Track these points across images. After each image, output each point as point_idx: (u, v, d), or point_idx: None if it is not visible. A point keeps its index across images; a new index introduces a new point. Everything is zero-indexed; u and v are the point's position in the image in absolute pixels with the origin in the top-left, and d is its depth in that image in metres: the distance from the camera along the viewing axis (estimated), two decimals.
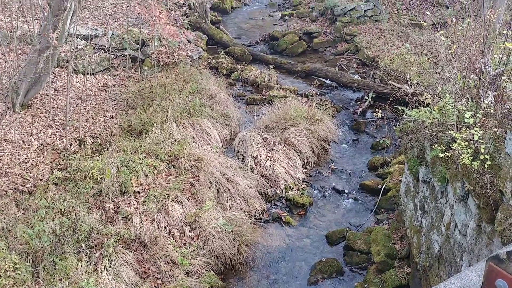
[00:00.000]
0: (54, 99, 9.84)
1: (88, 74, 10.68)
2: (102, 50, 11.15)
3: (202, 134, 9.92)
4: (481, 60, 5.71)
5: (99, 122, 9.43)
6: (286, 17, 19.06)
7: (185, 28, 14.42)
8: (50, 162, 8.11)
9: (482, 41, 6.27)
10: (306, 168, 9.84)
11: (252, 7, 20.94)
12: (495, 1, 13.03)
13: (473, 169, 5.01)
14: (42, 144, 8.43)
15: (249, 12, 20.25)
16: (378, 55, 14.23)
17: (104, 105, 10.05)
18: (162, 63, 12.03)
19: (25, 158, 8.02)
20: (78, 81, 10.84)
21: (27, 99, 9.25)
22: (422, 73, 11.44)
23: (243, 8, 20.72)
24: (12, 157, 7.90)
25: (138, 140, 9.06)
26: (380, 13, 17.20)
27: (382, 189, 9.04)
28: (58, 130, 8.86)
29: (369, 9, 17.06)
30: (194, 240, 7.41)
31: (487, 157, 4.87)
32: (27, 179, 7.60)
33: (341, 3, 17.19)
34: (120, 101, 10.40)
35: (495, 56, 6.29)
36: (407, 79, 8.56)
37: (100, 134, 9.09)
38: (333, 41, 16.52)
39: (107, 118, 9.69)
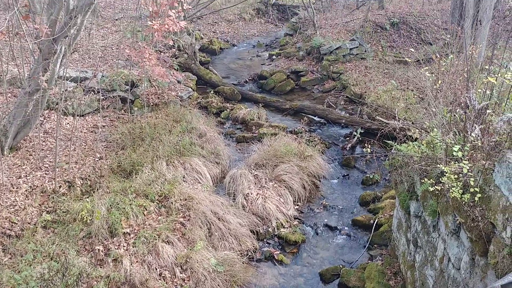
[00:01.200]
0: (44, 141, 9.81)
1: (77, 115, 10.70)
2: (92, 92, 11.22)
3: (193, 173, 9.89)
4: (466, 95, 5.83)
5: (88, 163, 9.38)
6: (274, 57, 19.42)
7: (175, 69, 14.60)
8: (39, 204, 8.00)
9: (466, 76, 6.43)
10: (297, 205, 9.80)
11: (240, 48, 21.35)
12: (476, 38, 13.43)
13: (463, 202, 5.03)
14: (30, 186, 8.33)
15: (237, 53, 20.63)
16: (365, 92, 14.48)
17: (93, 146, 10.03)
18: (152, 104, 12.12)
19: (13, 201, 7.90)
20: (68, 123, 10.85)
21: (16, 141, 9.20)
22: (409, 109, 11.63)
23: (232, 49, 21.12)
24: (0, 200, 7.79)
25: (128, 180, 9.00)
26: (365, 51, 17.60)
27: (374, 225, 9.00)
28: (47, 172, 8.79)
29: (354, 48, 17.47)
30: (185, 281, 7.26)
31: (477, 189, 4.90)
32: (15, 223, 7.47)
33: (327, 42, 17.58)
34: (110, 142, 10.39)
35: (479, 90, 6.43)
36: (395, 114, 8.69)
37: (89, 176, 9.02)
38: (320, 79, 16.81)
39: (96, 159, 9.64)
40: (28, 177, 8.57)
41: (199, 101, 14.34)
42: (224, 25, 23.76)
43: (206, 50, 19.73)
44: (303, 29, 20.57)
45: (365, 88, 14.78)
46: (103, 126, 11.07)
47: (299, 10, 23.32)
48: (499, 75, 6.14)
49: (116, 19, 18.24)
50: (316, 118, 13.76)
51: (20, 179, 8.45)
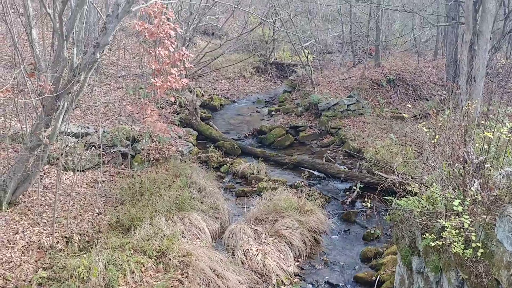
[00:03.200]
0: (43, 196, 9.78)
1: (78, 170, 10.74)
2: (93, 147, 11.31)
3: (192, 228, 9.79)
4: (464, 149, 5.90)
5: (87, 219, 9.31)
6: (273, 113, 19.73)
7: (176, 125, 14.80)
8: (35, 261, 7.86)
9: (463, 131, 6.53)
10: (298, 261, 9.63)
11: (240, 104, 21.72)
12: (471, 94, 13.71)
13: (466, 258, 4.97)
14: (27, 242, 8.23)
15: (237, 109, 20.97)
16: (363, 147, 14.60)
17: (93, 201, 9.99)
18: (152, 159, 12.19)
19: (9, 258, 7.77)
20: (68, 178, 10.86)
21: (15, 196, 9.18)
22: (407, 163, 11.67)
23: (232, 105, 21.48)
24: None
25: (126, 236, 8.89)
26: (362, 107, 17.91)
27: (377, 282, 8.81)
28: (45, 228, 8.71)
29: (352, 104, 17.80)
30: None
31: (479, 244, 4.86)
32: (9, 280, 7.31)
33: (324, 99, 17.94)
34: (109, 197, 10.36)
35: (477, 145, 6.50)
36: (394, 169, 8.72)
37: (87, 231, 8.93)
38: (319, 134, 16.99)
39: (95, 214, 9.58)
40: (25, 233, 8.48)
41: (199, 155, 14.42)
42: (225, 83, 24.29)
43: (207, 106, 20.06)
44: (301, 86, 21.03)
45: (363, 143, 14.92)
46: (103, 181, 11.07)
47: (297, 68, 23.93)
48: (496, 129, 6.23)
49: (119, 77, 18.68)
50: (315, 173, 13.79)
51: (17, 235, 8.36)
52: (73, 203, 9.71)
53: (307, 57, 21.09)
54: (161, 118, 12.79)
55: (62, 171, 10.37)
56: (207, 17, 22.44)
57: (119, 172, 11.66)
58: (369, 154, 13.59)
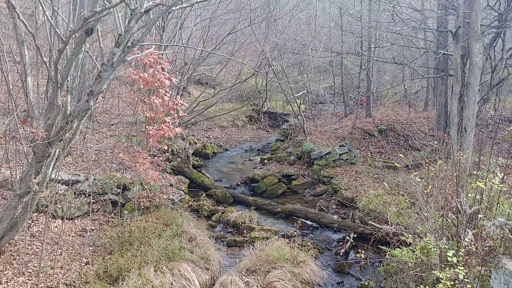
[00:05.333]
0: (29, 245, 9.54)
1: (67, 218, 10.55)
2: (83, 195, 11.18)
3: (181, 279, 9.53)
4: (457, 199, 5.88)
5: (74, 269, 9.05)
6: (266, 161, 19.75)
7: (168, 173, 14.74)
8: None
9: (456, 181, 6.54)
10: None
11: (232, 152, 21.78)
12: (462, 144, 13.85)
13: None
14: None
15: (230, 157, 20.99)
16: (356, 196, 14.54)
17: (80, 250, 9.76)
18: (143, 207, 12.03)
19: None
20: (56, 226, 10.65)
21: (0, 245, 8.94)
22: (400, 213, 11.61)
23: (224, 153, 21.52)
24: None
25: (114, 287, 8.63)
26: (354, 156, 17.99)
27: None
28: (30, 278, 8.44)
29: (344, 153, 17.88)
30: None
31: None
32: None
33: (317, 148, 18.03)
34: (98, 246, 10.13)
35: (469, 195, 6.49)
36: (387, 219, 8.66)
37: (74, 281, 8.66)
38: (311, 183, 16.96)
39: (83, 264, 9.33)
40: (9, 283, 8.20)
41: (190, 204, 14.28)
42: (218, 131, 24.47)
43: (199, 154, 20.09)
44: (294, 135, 21.20)
45: (356, 192, 14.88)
46: (92, 229, 10.86)
47: (289, 118, 24.23)
48: (487, 180, 6.24)
49: (112, 124, 18.75)
50: (308, 222, 13.64)
51: (0, 285, 8.08)
52: (61, 252, 9.47)
53: (299, 107, 21.38)
54: (153, 165, 12.74)
55: (50, 219, 10.19)
56: (202, 67, 22.86)
57: (108, 221, 11.47)
58: (362, 204, 13.52)
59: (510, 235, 4.50)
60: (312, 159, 17.87)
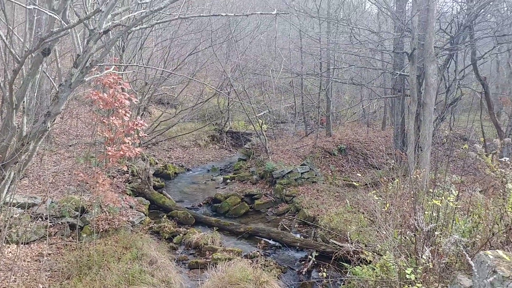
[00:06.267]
0: None
1: (22, 243, 10.15)
2: (40, 219, 10.80)
3: None
4: (414, 217, 6.03)
5: None
6: (228, 181, 19.70)
7: (128, 194, 14.48)
8: None
9: (413, 199, 6.71)
10: None
11: (195, 172, 21.62)
12: (419, 162, 14.26)
13: None
14: None
15: (192, 177, 20.83)
16: (318, 214, 14.68)
17: (37, 276, 9.38)
18: (101, 230, 11.73)
19: None
20: (10, 252, 10.21)
21: None
22: (361, 231, 11.77)
23: (186, 173, 21.34)
24: None
25: None
26: (316, 175, 18.21)
27: None
28: None
29: (305, 172, 18.07)
30: None
31: None
32: None
33: (279, 167, 18.16)
34: (55, 271, 9.78)
35: (426, 213, 6.67)
36: (347, 237, 8.77)
37: None
38: (274, 202, 17.01)
39: None
40: None
41: (151, 226, 14.02)
42: (179, 151, 24.27)
43: (160, 175, 19.85)
44: (256, 154, 21.29)
45: (317, 211, 15.02)
46: (49, 254, 10.49)
47: (252, 137, 24.34)
48: (443, 197, 6.44)
49: (70, 145, 18.30)
50: (271, 241, 13.64)
51: None
52: (15, 278, 9.08)
53: (261, 127, 21.55)
54: (112, 187, 12.50)
55: (4, 244, 9.78)
56: (163, 87, 22.73)
57: (66, 244, 11.10)
58: (324, 222, 13.66)
59: (464, 252, 4.65)
60: (274, 178, 17.96)
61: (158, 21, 9.51)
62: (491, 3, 15.95)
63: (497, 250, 4.31)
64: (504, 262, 4.06)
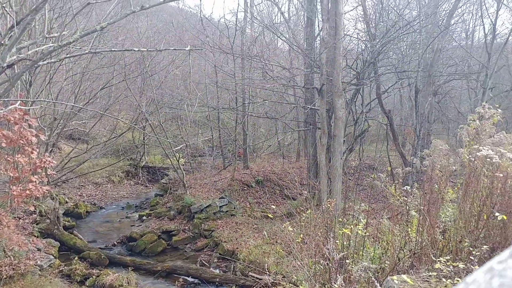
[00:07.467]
0: None
1: None
2: None
3: None
4: (326, 246, 6.25)
5: None
6: (144, 218, 19.16)
7: (35, 236, 13.58)
8: None
9: (325, 228, 6.96)
10: None
11: (108, 210, 20.79)
12: (331, 191, 14.86)
13: None
14: None
15: (105, 215, 20.00)
16: (237, 248, 14.67)
17: None
18: (5, 276, 10.85)
19: None
20: None
21: None
22: (278, 262, 11.94)
23: (99, 212, 20.46)
24: None
25: None
26: (234, 208, 18.27)
27: None
28: None
29: (224, 205, 18.08)
30: None
31: None
32: None
33: (197, 201, 18.01)
34: None
35: (338, 241, 6.94)
36: (266, 269, 8.86)
37: None
38: (192, 238, 16.76)
39: None
40: None
41: (61, 269, 13.20)
42: (92, 188, 23.28)
43: (71, 214, 18.86)
44: (174, 189, 20.97)
45: (237, 244, 15.01)
46: None
47: (169, 171, 23.98)
48: (352, 226, 6.75)
49: None
50: (190, 279, 13.36)
51: None
52: None
53: (178, 161, 21.32)
54: (18, 229, 11.67)
55: None
56: (74, 122, 21.87)
57: None
58: (243, 255, 13.67)
59: (372, 278, 4.89)
60: (192, 213, 17.75)
61: (68, 55, 9.26)
62: (391, 42, 17.31)
63: (402, 275, 4.59)
64: (408, 286, 4.33)
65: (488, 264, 0.94)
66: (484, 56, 20.61)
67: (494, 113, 6.33)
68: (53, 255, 13.46)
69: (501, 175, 5.40)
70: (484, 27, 23.23)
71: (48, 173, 10.46)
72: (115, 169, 25.17)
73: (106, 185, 24.04)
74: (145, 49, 8.13)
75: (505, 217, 4.91)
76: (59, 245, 14.82)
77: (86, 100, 20.09)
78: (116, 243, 16.47)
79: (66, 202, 19.80)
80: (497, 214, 4.98)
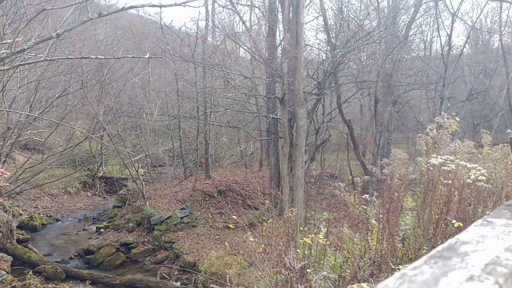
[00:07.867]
0: None
1: None
2: None
3: None
4: (287, 256, 6.20)
5: None
6: (102, 230, 18.62)
7: None
8: None
9: (287, 237, 6.92)
10: None
11: (65, 222, 20.11)
12: (294, 200, 14.87)
13: None
14: None
15: (61, 228, 19.33)
16: (198, 260, 14.44)
17: None
18: None
19: None
20: None
21: None
22: (240, 273, 11.81)
23: (55, 224, 19.76)
24: None
25: None
26: (196, 219, 18.02)
27: None
28: None
29: (185, 216, 17.80)
30: None
31: None
32: None
33: (157, 212, 17.66)
34: None
35: (299, 250, 6.90)
36: (227, 281, 8.72)
37: None
38: (152, 250, 16.39)
39: None
40: None
41: (14, 284, 12.60)
42: (47, 200, 22.47)
43: (25, 227, 18.12)
44: (133, 200, 20.51)
45: (198, 256, 14.77)
46: None
47: (127, 182, 23.45)
48: (313, 235, 6.73)
49: None
50: None
51: None
52: None
53: (137, 171, 20.91)
54: None
55: None
56: (29, 131, 21.12)
57: None
58: (204, 267, 13.46)
59: (332, 287, 4.86)
60: (152, 225, 17.37)
61: (22, 63, 8.92)
62: (351, 52, 17.62)
63: (362, 283, 4.58)
64: None
65: (402, 271, 0.94)
66: (442, 67, 21.28)
67: (452, 123, 6.48)
68: (5, 270, 12.85)
69: (457, 183, 5.51)
70: (440, 38, 24.14)
71: (1, 185, 9.99)
72: (72, 180, 24.42)
73: (62, 197, 23.27)
74: (103, 57, 7.92)
75: (461, 224, 4.99)
76: (12, 259, 14.17)
77: (41, 108, 19.43)
78: (73, 256, 15.90)
79: (21, 214, 19.02)
80: (453, 221, 5.06)
